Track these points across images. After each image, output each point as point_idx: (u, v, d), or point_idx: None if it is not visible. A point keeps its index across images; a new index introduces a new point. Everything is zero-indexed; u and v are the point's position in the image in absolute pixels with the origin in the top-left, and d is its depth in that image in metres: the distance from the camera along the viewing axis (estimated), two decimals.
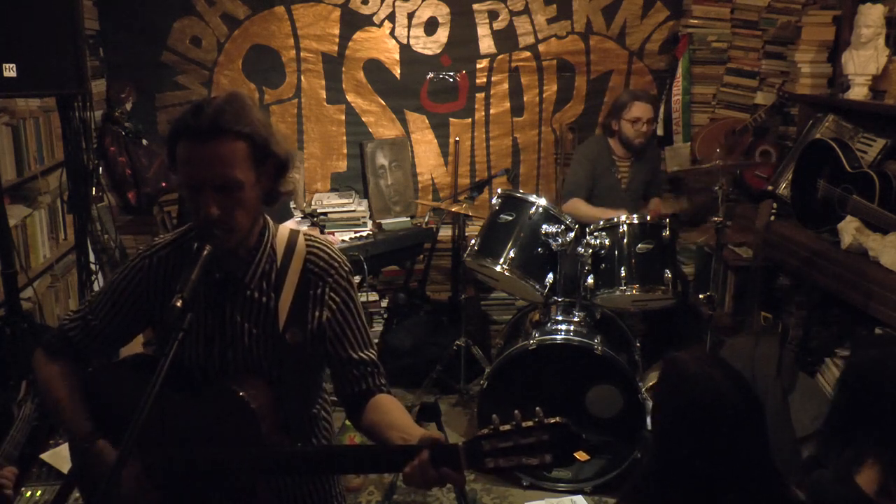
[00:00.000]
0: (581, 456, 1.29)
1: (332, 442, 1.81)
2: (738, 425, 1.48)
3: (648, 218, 3.36)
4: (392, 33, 4.44)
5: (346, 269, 1.63)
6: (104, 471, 1.52)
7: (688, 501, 1.50)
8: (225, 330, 1.56)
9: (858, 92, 3.67)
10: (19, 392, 2.66)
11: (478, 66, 4.53)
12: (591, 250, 3.28)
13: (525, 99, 4.60)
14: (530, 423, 1.29)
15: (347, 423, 3.44)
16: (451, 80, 4.53)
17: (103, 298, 1.63)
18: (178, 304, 1.34)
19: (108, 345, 1.67)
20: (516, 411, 1.33)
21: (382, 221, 4.37)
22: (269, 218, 1.62)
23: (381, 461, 1.43)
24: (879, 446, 1.58)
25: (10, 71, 2.50)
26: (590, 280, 3.29)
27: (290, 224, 3.84)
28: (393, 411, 1.55)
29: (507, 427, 1.30)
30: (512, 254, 3.29)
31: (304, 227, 4.14)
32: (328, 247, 1.63)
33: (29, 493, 2.21)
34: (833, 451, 1.69)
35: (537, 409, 1.31)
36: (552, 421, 1.28)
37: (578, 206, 3.82)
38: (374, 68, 4.48)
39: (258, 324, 1.56)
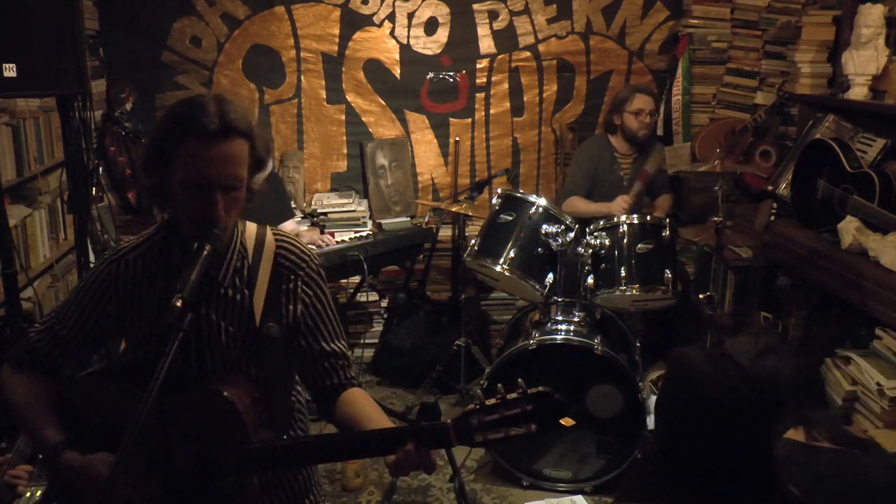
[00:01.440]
0: (566, 422, 1.35)
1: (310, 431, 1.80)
2: (753, 425, 1.47)
3: (648, 218, 3.37)
4: (392, 33, 4.44)
5: (317, 262, 1.65)
6: (75, 481, 1.49)
7: (692, 499, 1.49)
8: (201, 331, 1.54)
9: (858, 92, 3.67)
10: None
11: (478, 66, 4.53)
12: (591, 250, 3.28)
13: (525, 99, 4.60)
14: (514, 395, 1.35)
15: None
16: (451, 80, 4.53)
17: (71, 307, 1.59)
18: (179, 303, 1.33)
19: (78, 353, 1.63)
20: (499, 385, 1.38)
21: (382, 221, 4.37)
22: None
23: (371, 448, 1.45)
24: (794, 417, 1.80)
25: (10, 71, 2.50)
26: (590, 280, 3.28)
27: (289, 224, 3.85)
28: (366, 406, 1.57)
29: (492, 401, 1.35)
30: (512, 254, 3.29)
31: (304, 227, 4.14)
32: (297, 242, 1.65)
33: (29, 493, 2.21)
34: None
35: (519, 380, 1.37)
36: (535, 391, 1.34)
37: (576, 204, 3.86)
38: (374, 68, 4.48)
39: (234, 322, 1.56)
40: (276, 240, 1.62)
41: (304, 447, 1.52)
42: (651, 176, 3.77)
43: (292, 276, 1.59)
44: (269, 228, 1.64)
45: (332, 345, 1.63)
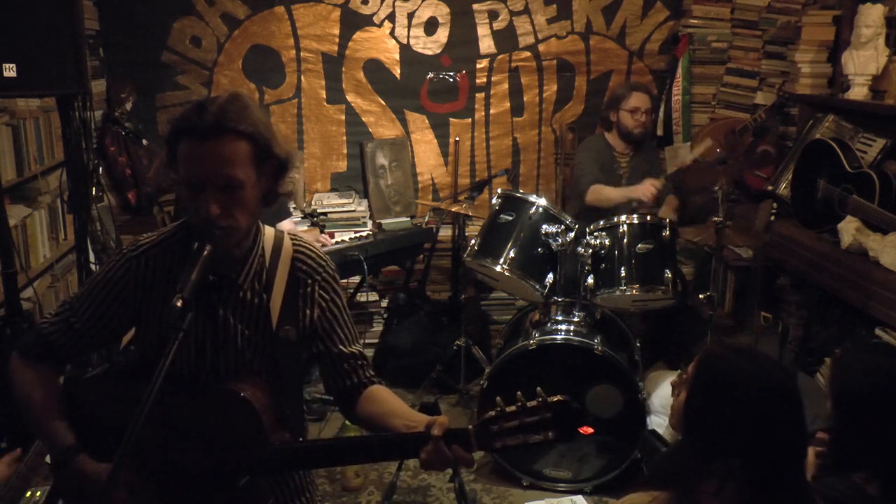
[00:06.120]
0: (586, 430, 1.37)
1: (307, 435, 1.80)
2: (791, 411, 1.47)
3: (648, 218, 3.37)
4: (392, 33, 4.44)
5: (332, 267, 1.67)
6: (86, 486, 1.48)
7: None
8: (217, 333, 1.55)
9: (858, 92, 3.67)
10: None
11: (478, 66, 4.53)
12: (591, 250, 3.28)
13: (525, 99, 4.60)
14: (534, 403, 1.36)
15: (348, 423, 3.44)
16: (451, 80, 4.53)
17: (85, 299, 1.57)
18: (179, 304, 1.33)
19: (91, 346, 1.62)
20: (519, 392, 1.39)
21: (382, 221, 4.37)
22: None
23: (396, 449, 1.45)
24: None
25: (10, 71, 2.49)
26: (590, 280, 3.28)
27: (286, 224, 3.86)
28: (389, 400, 1.58)
29: (512, 408, 1.37)
30: (512, 254, 3.29)
31: (304, 227, 4.14)
32: (313, 247, 1.67)
33: (29, 494, 2.21)
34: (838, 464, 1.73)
35: (538, 389, 1.38)
36: (554, 399, 1.36)
37: (603, 190, 3.73)
38: (374, 68, 4.48)
39: (251, 325, 1.56)
40: (294, 244, 1.64)
41: (323, 449, 1.51)
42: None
43: (309, 281, 1.61)
44: (286, 233, 1.66)
45: (349, 348, 1.64)
